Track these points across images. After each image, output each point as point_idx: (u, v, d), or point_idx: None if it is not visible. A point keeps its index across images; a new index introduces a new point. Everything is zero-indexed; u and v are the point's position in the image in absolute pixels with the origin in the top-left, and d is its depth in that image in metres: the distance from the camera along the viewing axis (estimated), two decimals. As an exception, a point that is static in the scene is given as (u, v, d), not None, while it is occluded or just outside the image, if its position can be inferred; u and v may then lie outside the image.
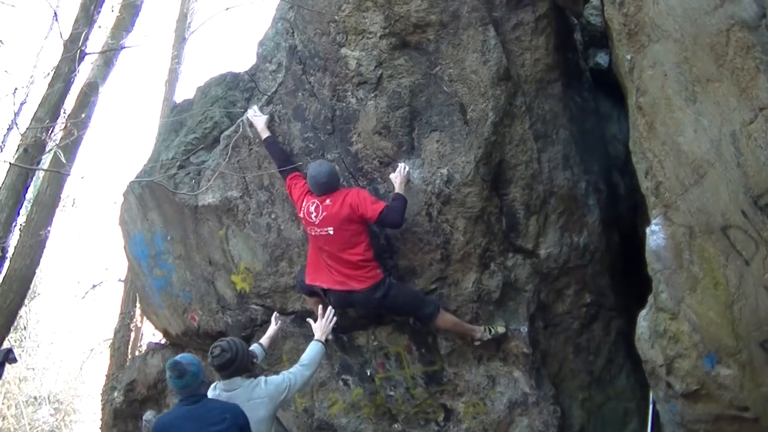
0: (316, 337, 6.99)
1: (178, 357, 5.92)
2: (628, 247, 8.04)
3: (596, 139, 8.35)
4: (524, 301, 7.64)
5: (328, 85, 7.63)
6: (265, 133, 7.87)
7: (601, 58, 9.30)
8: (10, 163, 11.53)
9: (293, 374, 6.47)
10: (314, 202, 7.24)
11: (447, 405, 7.90)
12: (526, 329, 7.60)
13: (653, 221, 5.59)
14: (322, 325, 7.08)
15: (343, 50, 7.48)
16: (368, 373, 8.13)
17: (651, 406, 7.05)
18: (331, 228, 7.14)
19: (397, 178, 7.23)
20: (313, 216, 7.21)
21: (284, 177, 7.67)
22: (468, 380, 7.75)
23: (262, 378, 6.31)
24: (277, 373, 6.68)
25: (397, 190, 7.21)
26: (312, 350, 6.83)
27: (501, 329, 7.56)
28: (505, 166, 7.38)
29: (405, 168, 7.27)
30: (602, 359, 8.12)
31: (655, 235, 5.57)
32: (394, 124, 7.34)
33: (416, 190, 7.32)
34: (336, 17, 7.47)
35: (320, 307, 7.24)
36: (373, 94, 7.40)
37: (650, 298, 5.92)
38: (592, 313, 7.98)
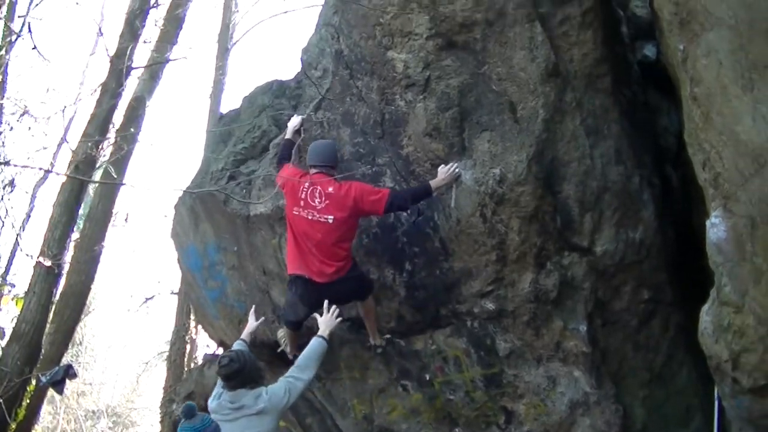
0: (319, 333, 7.00)
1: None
2: (683, 240, 7.94)
3: (647, 133, 8.24)
4: (582, 299, 7.53)
5: (376, 89, 7.62)
6: (289, 135, 8.01)
7: (649, 50, 9.19)
8: (66, 175, 11.63)
9: (290, 379, 6.54)
10: (316, 188, 7.23)
11: (508, 407, 7.83)
12: (585, 328, 7.50)
13: (713, 213, 5.47)
14: (326, 320, 7.10)
15: (390, 53, 7.46)
16: (427, 378, 8.08)
17: (716, 403, 6.93)
18: (332, 217, 7.15)
19: (441, 173, 7.22)
20: (316, 201, 7.19)
21: (277, 169, 7.80)
22: (528, 381, 7.67)
23: (263, 388, 6.37)
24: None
25: (433, 181, 7.24)
26: (309, 348, 6.86)
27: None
28: (557, 164, 7.29)
29: (455, 168, 7.24)
30: (662, 356, 7.99)
31: (715, 227, 5.45)
32: (444, 125, 7.28)
33: (469, 191, 7.25)
34: (381, 20, 7.45)
35: (326, 302, 7.25)
36: (421, 96, 7.36)
37: (712, 292, 5.80)
38: (650, 310, 7.86)
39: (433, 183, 7.17)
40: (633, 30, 9.18)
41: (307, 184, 7.27)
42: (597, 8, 7.34)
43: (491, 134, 7.22)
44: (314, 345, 6.85)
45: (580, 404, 7.58)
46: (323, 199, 7.15)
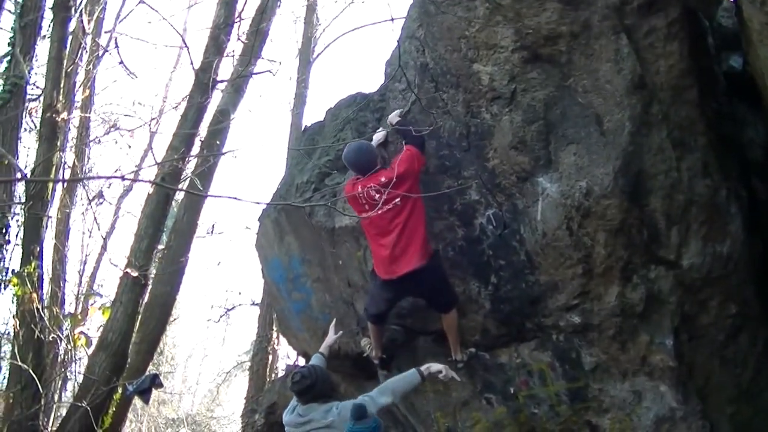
0: (422, 368, 6.95)
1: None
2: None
3: (733, 145, 8.14)
4: (668, 313, 7.44)
5: (461, 102, 7.66)
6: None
7: (735, 61, 9.08)
8: (156, 184, 11.85)
9: (367, 398, 6.55)
10: (371, 185, 7.32)
11: (592, 422, 7.75)
12: (671, 342, 7.40)
13: (806, 227, 5.41)
14: (437, 365, 7.00)
15: (475, 66, 7.49)
16: (511, 391, 8.04)
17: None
18: (398, 199, 7.22)
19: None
20: (377, 196, 7.23)
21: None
22: (613, 396, 7.60)
23: (335, 403, 6.51)
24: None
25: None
26: (401, 376, 6.95)
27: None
28: (644, 176, 7.23)
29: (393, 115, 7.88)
30: (749, 371, 7.87)
31: (808, 241, 5.39)
32: (530, 138, 7.29)
33: (555, 204, 7.24)
34: (466, 33, 7.50)
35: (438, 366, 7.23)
36: (507, 109, 7.38)
37: (804, 307, 5.72)
38: (737, 324, 7.74)
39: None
40: (719, 41, 9.08)
41: (360, 189, 7.41)
42: (683, 19, 7.28)
43: (577, 147, 7.20)
44: (408, 375, 6.89)
45: (666, 419, 7.48)
46: (382, 190, 7.19)
